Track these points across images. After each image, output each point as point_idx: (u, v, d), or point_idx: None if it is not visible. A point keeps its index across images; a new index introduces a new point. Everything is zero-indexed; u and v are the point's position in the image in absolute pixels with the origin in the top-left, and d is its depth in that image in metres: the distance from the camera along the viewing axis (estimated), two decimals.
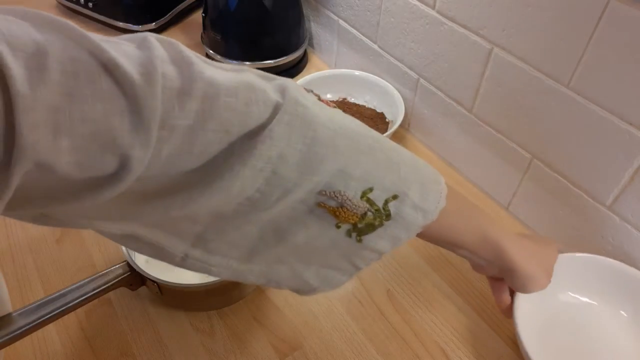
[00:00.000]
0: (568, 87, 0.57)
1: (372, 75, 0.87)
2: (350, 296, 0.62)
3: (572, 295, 0.60)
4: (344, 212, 0.39)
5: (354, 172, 0.38)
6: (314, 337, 0.57)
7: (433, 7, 0.70)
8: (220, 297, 0.59)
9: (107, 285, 0.53)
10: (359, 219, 0.39)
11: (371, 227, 0.40)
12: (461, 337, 0.58)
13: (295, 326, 0.58)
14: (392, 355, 0.56)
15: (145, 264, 0.60)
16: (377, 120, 0.84)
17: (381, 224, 0.40)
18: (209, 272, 0.42)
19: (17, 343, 0.49)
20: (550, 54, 0.57)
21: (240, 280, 0.43)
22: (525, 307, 0.56)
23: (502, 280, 0.53)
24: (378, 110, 0.87)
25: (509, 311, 0.54)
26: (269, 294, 0.61)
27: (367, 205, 0.39)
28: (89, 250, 0.65)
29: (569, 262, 0.59)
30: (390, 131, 0.77)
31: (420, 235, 0.43)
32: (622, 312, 0.58)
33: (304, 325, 0.59)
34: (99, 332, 0.57)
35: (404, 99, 0.82)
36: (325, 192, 0.37)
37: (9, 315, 0.48)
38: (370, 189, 0.39)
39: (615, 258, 0.60)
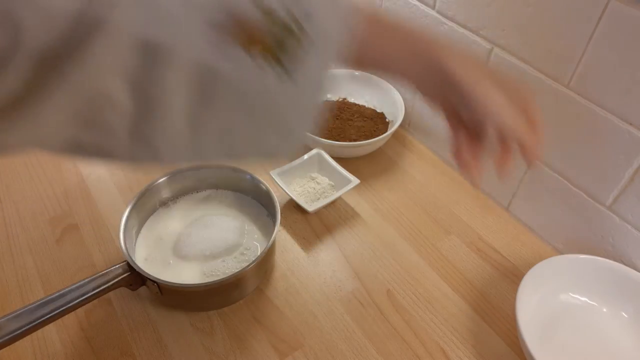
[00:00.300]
0: (568, 87, 0.57)
1: (372, 75, 0.87)
2: (350, 296, 0.62)
3: (573, 295, 0.60)
4: (252, 31, 0.32)
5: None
6: (314, 337, 0.57)
7: (433, 7, 0.70)
8: (220, 297, 0.59)
9: (107, 285, 0.53)
10: (272, 44, 0.33)
11: (290, 52, 0.34)
12: (461, 337, 0.58)
13: (295, 326, 0.58)
14: (392, 355, 0.56)
15: (145, 264, 0.60)
16: (377, 120, 0.84)
17: (300, 44, 0.34)
18: (160, 158, 0.36)
19: (17, 343, 0.49)
20: (550, 54, 0.57)
21: (200, 159, 0.40)
22: (527, 307, 0.56)
23: (460, 124, 0.44)
24: (378, 110, 0.87)
25: (469, 168, 0.44)
26: (269, 294, 0.62)
27: (268, 21, 0.32)
28: (89, 250, 0.65)
29: (570, 263, 0.59)
30: (390, 131, 0.77)
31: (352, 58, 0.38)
32: (623, 313, 0.58)
33: (304, 325, 0.59)
34: (99, 332, 0.57)
35: (404, 99, 0.82)
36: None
37: (8, 315, 0.49)
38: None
39: (615, 258, 0.60)
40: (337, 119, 0.84)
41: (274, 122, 0.38)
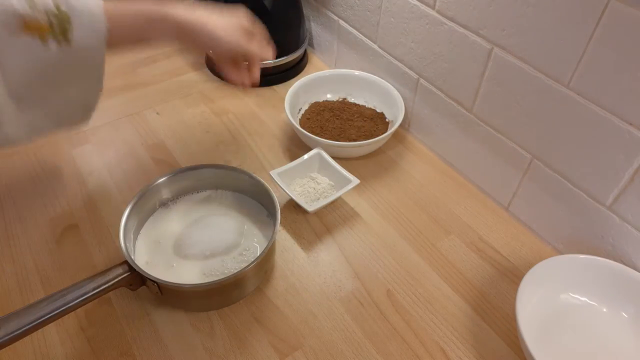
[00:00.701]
0: (568, 87, 0.57)
1: (372, 75, 0.87)
2: (350, 296, 0.62)
3: (573, 295, 0.60)
4: (33, 24, 0.48)
5: None
6: (314, 337, 0.57)
7: (433, 7, 0.70)
8: (220, 297, 0.59)
9: (107, 285, 0.53)
10: (49, 27, 0.49)
11: (64, 28, 0.49)
12: (461, 337, 0.58)
13: (295, 326, 0.58)
14: (392, 355, 0.56)
15: (145, 264, 0.60)
16: (377, 120, 0.84)
17: (68, 21, 0.49)
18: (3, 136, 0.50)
19: (17, 343, 0.49)
20: (550, 54, 0.57)
21: (35, 133, 0.54)
22: (527, 307, 0.56)
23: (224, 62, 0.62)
24: (378, 110, 0.87)
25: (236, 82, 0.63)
26: (269, 294, 0.62)
27: (42, 13, 0.48)
28: (89, 250, 0.65)
29: (571, 263, 0.59)
30: (390, 131, 0.77)
31: (111, 39, 0.52)
32: (623, 313, 0.58)
33: (304, 325, 0.59)
34: (99, 332, 0.57)
35: (404, 99, 0.82)
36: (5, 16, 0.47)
37: (8, 315, 0.49)
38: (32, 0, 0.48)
39: (615, 258, 0.60)
40: (337, 119, 0.84)
41: (68, 78, 0.53)
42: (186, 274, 0.60)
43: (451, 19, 0.68)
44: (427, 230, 0.70)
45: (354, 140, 0.79)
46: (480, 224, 0.71)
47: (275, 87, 0.94)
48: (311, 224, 0.70)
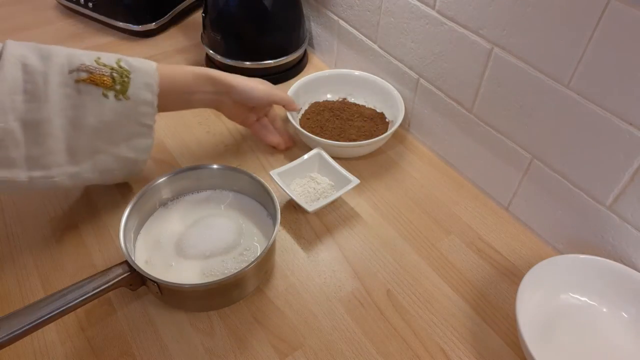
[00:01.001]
0: (568, 87, 0.57)
1: (372, 75, 0.87)
2: (350, 296, 0.62)
3: (573, 295, 0.60)
4: (97, 78, 0.56)
5: (76, 52, 0.58)
6: (314, 337, 0.57)
7: (433, 7, 0.70)
8: (220, 297, 0.59)
9: (107, 285, 0.53)
10: (112, 81, 0.57)
11: (125, 84, 0.58)
12: (461, 337, 0.58)
13: (295, 326, 0.58)
14: (392, 355, 0.56)
15: (145, 264, 0.60)
16: (377, 120, 0.84)
17: (128, 78, 0.58)
18: (56, 185, 0.58)
19: (17, 343, 0.49)
20: (550, 54, 0.57)
21: (81, 182, 0.61)
22: (527, 307, 0.56)
23: (250, 113, 0.75)
24: (378, 110, 0.86)
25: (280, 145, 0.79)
26: (269, 294, 0.62)
27: (107, 68, 0.57)
28: (89, 250, 0.65)
29: (571, 263, 0.59)
30: (390, 131, 0.77)
31: (162, 95, 0.62)
32: (623, 313, 0.58)
33: (304, 325, 0.59)
34: (99, 332, 0.57)
35: (404, 99, 0.82)
36: (71, 70, 0.56)
37: (8, 315, 0.49)
38: (99, 57, 0.58)
39: (615, 258, 0.60)
40: (337, 119, 0.84)
41: (127, 139, 0.62)
42: (186, 273, 0.60)
43: (451, 19, 0.68)
44: (427, 230, 0.70)
45: (354, 140, 0.79)
46: (480, 224, 0.71)
47: (275, 87, 0.94)
48: (311, 224, 0.70)
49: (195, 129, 0.84)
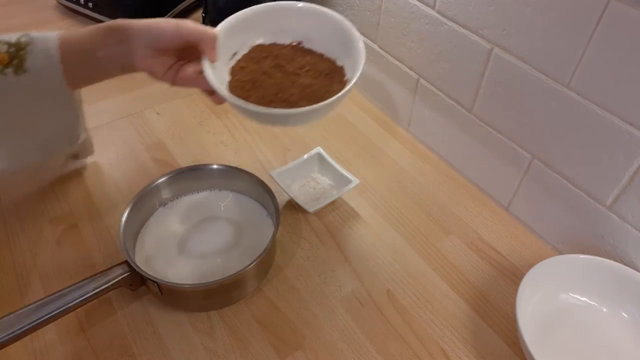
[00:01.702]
0: (568, 87, 0.57)
1: (336, 15, 0.62)
2: (350, 296, 0.62)
3: (573, 295, 0.60)
4: None
5: None
6: (314, 337, 0.57)
7: (433, 7, 0.70)
8: (220, 297, 0.59)
9: (107, 285, 0.54)
10: (8, 57, 0.52)
11: (22, 57, 0.52)
12: (461, 337, 0.58)
13: (295, 326, 0.58)
14: (392, 355, 0.56)
15: (145, 264, 0.60)
16: (333, 77, 0.61)
17: (25, 50, 0.52)
18: None
19: (18, 343, 0.49)
20: (550, 54, 0.57)
21: (21, 164, 0.57)
22: (527, 307, 0.57)
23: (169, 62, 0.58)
24: (338, 64, 0.62)
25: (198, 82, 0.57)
26: (269, 294, 0.62)
27: (2, 44, 0.52)
28: (89, 250, 0.65)
29: (571, 263, 0.59)
30: (335, 96, 0.54)
31: (65, 60, 0.53)
32: (623, 313, 0.58)
33: (304, 325, 0.59)
34: (99, 332, 0.57)
35: (404, 99, 0.82)
36: None
37: (8, 315, 0.49)
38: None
39: (615, 258, 0.60)
40: (280, 71, 0.61)
41: (35, 108, 0.55)
42: (186, 273, 0.60)
43: (451, 19, 0.68)
44: (427, 230, 0.70)
45: (293, 104, 0.56)
46: (480, 224, 0.71)
47: (192, 21, 0.94)
48: (311, 224, 0.70)
49: (195, 129, 0.84)
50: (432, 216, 0.72)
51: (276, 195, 0.63)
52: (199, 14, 1.13)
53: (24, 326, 0.48)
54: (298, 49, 0.64)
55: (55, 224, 0.68)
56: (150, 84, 0.93)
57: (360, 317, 0.60)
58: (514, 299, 0.54)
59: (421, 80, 0.78)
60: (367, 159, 0.81)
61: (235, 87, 0.57)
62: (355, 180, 0.70)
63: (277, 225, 0.59)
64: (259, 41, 0.63)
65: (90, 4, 1.06)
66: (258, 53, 0.63)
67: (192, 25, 0.56)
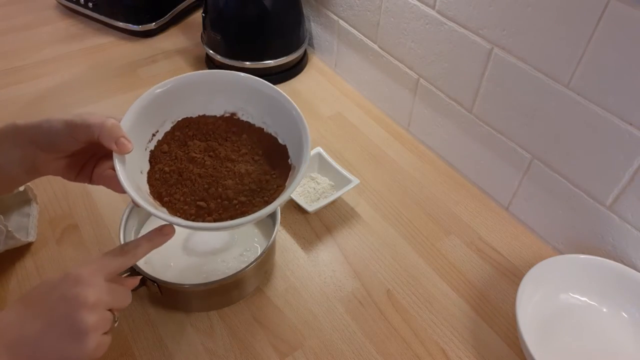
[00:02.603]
0: (568, 87, 0.57)
1: (267, 84, 0.51)
2: (350, 296, 0.62)
3: (573, 295, 0.60)
4: None
5: None
6: (314, 337, 0.57)
7: (433, 7, 0.70)
8: (220, 297, 0.59)
9: None
10: None
11: None
12: (461, 337, 0.58)
13: (295, 326, 0.58)
14: (392, 355, 0.56)
15: (144, 264, 0.60)
16: (273, 158, 0.51)
17: None
18: None
19: None
20: (550, 54, 0.57)
21: None
22: (527, 307, 0.56)
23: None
24: (280, 141, 0.51)
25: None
26: (269, 294, 0.62)
27: None
28: (89, 250, 0.65)
29: (571, 263, 0.59)
30: (284, 195, 0.45)
31: None
32: (623, 313, 0.58)
33: (304, 325, 0.59)
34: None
35: (404, 99, 0.82)
36: None
37: None
38: None
39: (615, 258, 0.60)
40: (210, 156, 0.49)
41: None
42: (186, 273, 0.60)
43: (451, 19, 0.68)
44: (427, 230, 0.70)
45: (230, 200, 0.46)
46: (480, 224, 0.71)
47: (275, 87, 0.94)
48: (311, 224, 0.70)
49: None
50: (432, 216, 0.72)
51: None
52: (199, 14, 1.13)
53: None
54: (232, 122, 0.52)
55: (55, 224, 0.68)
56: (150, 84, 0.93)
57: (360, 317, 0.60)
58: (514, 299, 0.54)
59: (421, 80, 0.78)
60: (367, 158, 0.81)
61: (157, 180, 0.47)
62: (355, 180, 0.70)
63: (277, 225, 0.59)
64: (184, 114, 0.51)
65: (90, 4, 1.06)
66: (183, 131, 0.51)
67: (83, 120, 0.44)
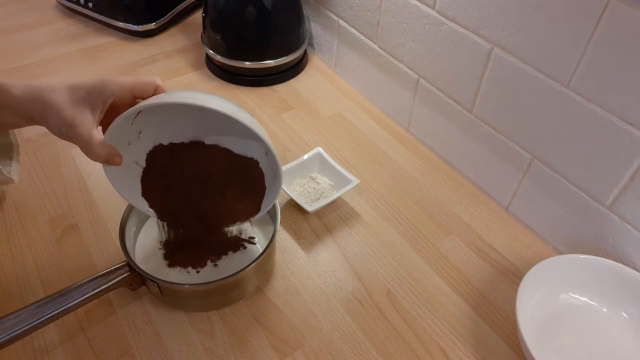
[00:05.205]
0: (568, 87, 0.57)
1: (230, 106, 0.46)
2: (350, 296, 0.62)
3: (573, 295, 0.60)
4: None
5: None
6: (314, 337, 0.57)
7: (433, 7, 0.70)
8: (220, 297, 0.59)
9: (107, 285, 0.53)
10: None
11: None
12: (461, 337, 0.58)
13: (295, 326, 0.58)
14: (392, 355, 0.56)
15: (144, 264, 0.60)
16: (246, 183, 0.54)
17: None
18: None
19: (18, 343, 0.49)
20: (550, 54, 0.57)
21: None
22: (527, 307, 0.56)
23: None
24: (249, 155, 0.53)
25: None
26: (269, 294, 0.62)
27: None
28: (89, 250, 0.65)
29: (571, 263, 0.59)
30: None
31: None
32: (623, 313, 0.58)
33: (304, 325, 0.59)
34: (99, 332, 0.57)
35: (404, 99, 0.82)
36: None
37: (8, 315, 0.48)
38: None
39: (615, 258, 0.60)
40: (169, 189, 0.50)
41: None
42: (186, 273, 0.60)
43: (451, 19, 0.68)
44: (427, 230, 0.70)
45: (188, 255, 0.49)
46: (480, 224, 0.71)
47: (275, 87, 0.94)
48: (311, 224, 0.70)
49: None
50: (432, 216, 0.72)
51: None
52: (199, 14, 1.13)
53: (24, 326, 0.48)
54: (197, 146, 0.53)
55: (55, 224, 0.68)
56: None
57: (360, 317, 0.60)
58: (514, 299, 0.54)
59: (421, 80, 0.78)
60: (367, 158, 0.81)
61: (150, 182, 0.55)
62: (355, 180, 0.70)
63: (277, 225, 0.59)
64: (163, 137, 0.53)
65: (90, 4, 1.06)
66: (157, 162, 0.54)
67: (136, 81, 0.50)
